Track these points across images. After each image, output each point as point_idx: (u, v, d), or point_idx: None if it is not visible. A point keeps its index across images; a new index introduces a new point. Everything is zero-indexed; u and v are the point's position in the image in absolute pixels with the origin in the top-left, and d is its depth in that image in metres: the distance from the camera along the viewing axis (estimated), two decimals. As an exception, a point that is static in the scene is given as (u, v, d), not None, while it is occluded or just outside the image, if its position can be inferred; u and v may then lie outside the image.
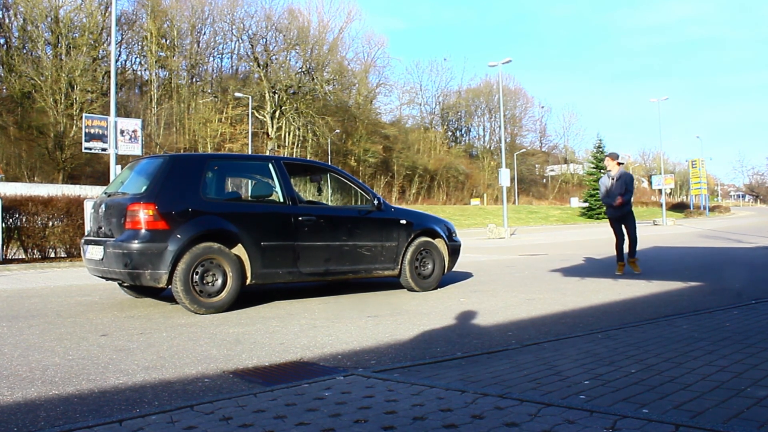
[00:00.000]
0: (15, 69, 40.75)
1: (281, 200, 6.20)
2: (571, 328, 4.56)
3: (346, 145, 59.19)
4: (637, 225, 8.81)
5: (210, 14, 54.43)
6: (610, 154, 8.90)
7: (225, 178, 6.87)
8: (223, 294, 5.57)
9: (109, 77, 19.89)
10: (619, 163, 8.80)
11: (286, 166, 6.49)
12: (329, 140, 54.03)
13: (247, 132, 43.45)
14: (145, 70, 52.30)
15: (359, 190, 7.12)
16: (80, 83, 41.00)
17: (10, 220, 11.51)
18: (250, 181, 7.44)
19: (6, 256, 11.43)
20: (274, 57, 56.20)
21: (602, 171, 46.96)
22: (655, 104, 48.75)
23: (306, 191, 8.45)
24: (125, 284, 6.22)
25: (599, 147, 57.95)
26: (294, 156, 51.70)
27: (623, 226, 8.78)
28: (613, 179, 8.71)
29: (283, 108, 55.21)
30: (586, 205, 57.58)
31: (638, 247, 8.89)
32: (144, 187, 5.67)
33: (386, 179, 62.07)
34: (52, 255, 11.96)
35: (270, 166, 6.41)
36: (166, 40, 51.57)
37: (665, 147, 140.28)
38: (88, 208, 11.23)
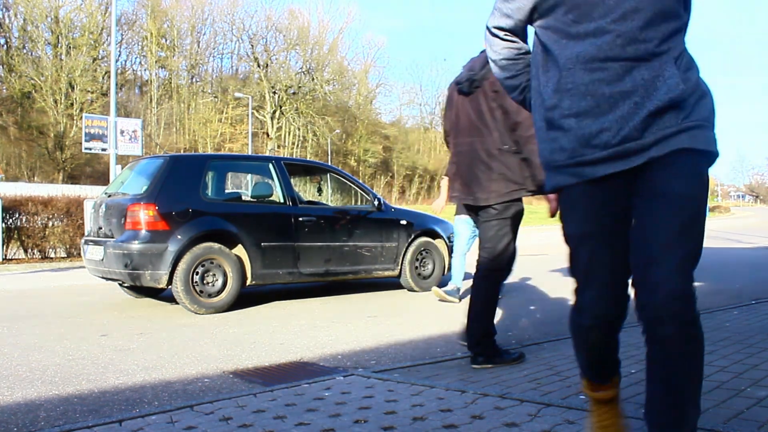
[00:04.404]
0: (15, 69, 40.70)
1: (281, 201, 6.21)
2: (571, 328, 4.55)
3: (346, 145, 59.15)
4: None
5: (210, 14, 54.38)
6: None
7: (225, 179, 6.88)
8: (224, 294, 5.57)
9: (109, 77, 19.89)
10: None
11: (286, 166, 6.50)
12: (329, 140, 53.97)
13: (247, 132, 43.39)
14: (145, 70, 52.24)
15: (359, 190, 7.14)
16: (80, 83, 40.96)
17: (10, 220, 11.51)
18: (250, 182, 7.45)
19: (6, 256, 11.43)
20: (274, 57, 56.18)
21: None
22: (655, 104, 48.71)
23: (306, 191, 8.46)
24: (125, 284, 6.22)
25: None
26: (294, 156, 51.66)
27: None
28: None
29: (283, 108, 55.20)
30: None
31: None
32: (144, 188, 5.68)
33: (386, 179, 62.01)
34: (52, 255, 11.96)
35: (270, 166, 6.42)
36: (166, 41, 51.53)
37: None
38: (88, 208, 11.23)
